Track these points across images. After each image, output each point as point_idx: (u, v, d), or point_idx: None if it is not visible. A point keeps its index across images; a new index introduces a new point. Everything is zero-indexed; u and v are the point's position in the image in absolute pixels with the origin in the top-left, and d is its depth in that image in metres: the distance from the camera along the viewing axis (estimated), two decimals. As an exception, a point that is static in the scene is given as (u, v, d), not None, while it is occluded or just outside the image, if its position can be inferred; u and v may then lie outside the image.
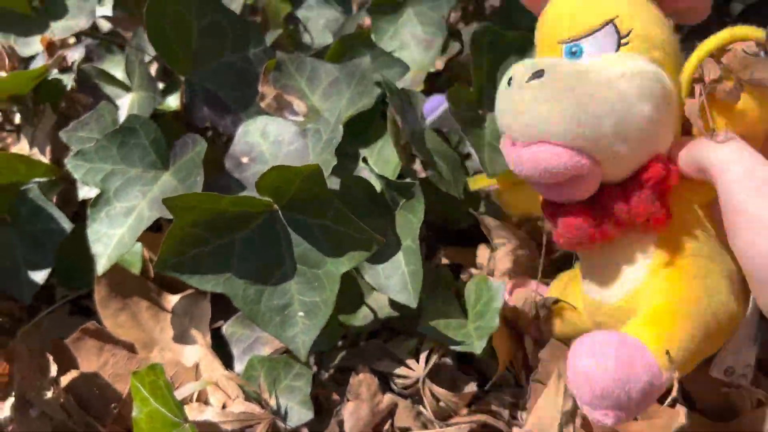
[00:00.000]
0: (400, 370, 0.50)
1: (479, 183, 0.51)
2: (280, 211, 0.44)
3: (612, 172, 0.37)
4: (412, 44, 0.63)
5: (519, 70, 0.38)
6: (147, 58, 0.56)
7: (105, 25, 0.71)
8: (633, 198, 0.37)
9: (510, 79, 0.38)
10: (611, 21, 0.38)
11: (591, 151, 0.36)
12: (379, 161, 0.55)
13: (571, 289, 0.47)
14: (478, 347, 0.45)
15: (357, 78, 0.56)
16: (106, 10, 0.69)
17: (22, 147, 0.60)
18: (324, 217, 0.43)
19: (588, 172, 0.36)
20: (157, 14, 0.52)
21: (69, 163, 0.49)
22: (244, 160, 0.51)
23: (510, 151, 0.38)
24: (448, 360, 0.51)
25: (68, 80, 0.59)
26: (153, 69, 0.62)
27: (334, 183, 0.50)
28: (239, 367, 0.50)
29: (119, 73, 0.59)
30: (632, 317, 0.37)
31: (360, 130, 0.56)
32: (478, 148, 0.48)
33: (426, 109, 0.53)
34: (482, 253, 0.53)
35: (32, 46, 0.61)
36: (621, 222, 0.37)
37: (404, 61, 0.59)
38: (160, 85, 0.64)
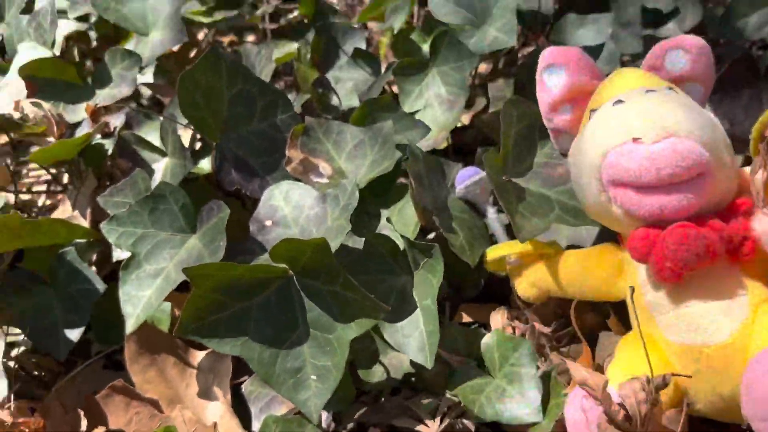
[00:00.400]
0: (420, 427, 0.50)
1: (499, 251, 0.52)
2: (294, 277, 0.46)
3: (717, 189, 0.40)
4: (436, 104, 0.65)
5: (626, 92, 0.44)
6: (180, 127, 0.60)
7: (146, 92, 0.76)
8: (731, 220, 0.40)
9: (617, 101, 0.43)
10: (671, 88, 0.44)
11: (711, 152, 0.40)
12: (400, 221, 0.56)
13: (638, 353, 0.42)
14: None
15: (380, 141, 0.58)
16: (147, 77, 0.73)
17: (65, 209, 0.64)
18: (334, 284, 0.45)
19: (710, 173, 0.39)
20: (189, 84, 0.55)
21: (104, 227, 0.52)
22: (267, 223, 0.53)
23: (633, 151, 0.40)
24: (467, 422, 0.51)
25: (110, 145, 0.63)
26: (188, 134, 0.66)
27: (357, 242, 0.52)
28: (257, 425, 0.51)
29: (156, 139, 0.62)
30: (743, 354, 0.38)
31: (382, 190, 0.58)
32: (510, 212, 0.49)
33: (458, 179, 0.56)
34: (495, 319, 0.53)
35: (78, 113, 0.65)
36: (725, 240, 0.39)
37: (425, 123, 0.61)
38: (196, 146, 0.67)
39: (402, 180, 0.58)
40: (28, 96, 0.63)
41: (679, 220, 0.40)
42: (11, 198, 0.73)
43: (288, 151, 0.57)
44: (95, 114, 0.63)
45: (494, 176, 0.50)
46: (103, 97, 0.65)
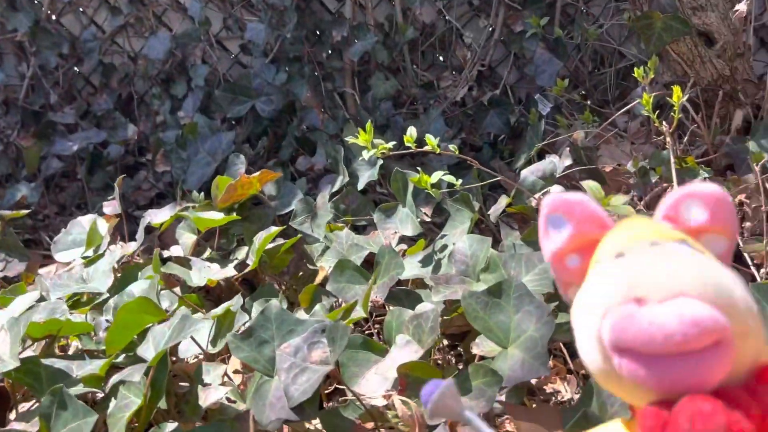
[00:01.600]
0: None
1: None
2: None
3: (739, 359, 0.34)
4: None
5: (630, 244, 0.39)
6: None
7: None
8: (757, 392, 0.34)
9: (619, 254, 0.38)
10: (684, 240, 0.39)
11: (729, 316, 0.34)
12: None
13: None
14: None
15: None
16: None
17: None
18: None
19: (728, 341, 0.33)
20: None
21: None
22: None
23: (635, 313, 0.34)
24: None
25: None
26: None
27: None
28: None
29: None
30: None
31: None
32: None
33: (423, 399, 0.44)
34: None
35: (435, 415, 0.70)
36: (753, 417, 0.32)
37: None
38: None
39: None
40: (399, 392, 0.70)
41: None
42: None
43: None
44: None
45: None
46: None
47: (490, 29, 1.80)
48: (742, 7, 1.26)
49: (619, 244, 0.40)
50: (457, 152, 1.04)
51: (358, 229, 1.28)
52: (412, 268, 0.99)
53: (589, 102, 1.50)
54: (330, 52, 1.85)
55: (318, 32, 1.84)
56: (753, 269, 1.00)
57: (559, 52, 1.61)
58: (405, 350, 0.75)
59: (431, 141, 1.03)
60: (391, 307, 0.88)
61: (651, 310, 0.34)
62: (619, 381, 0.36)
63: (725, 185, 1.09)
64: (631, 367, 0.34)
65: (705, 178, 1.07)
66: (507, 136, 1.71)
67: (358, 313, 0.87)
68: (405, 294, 0.93)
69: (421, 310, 0.78)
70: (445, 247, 0.98)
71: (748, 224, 1.11)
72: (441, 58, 1.94)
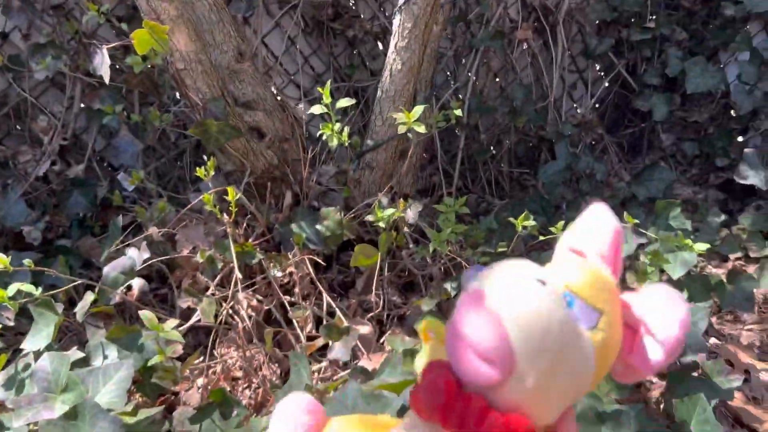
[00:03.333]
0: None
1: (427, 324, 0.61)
2: None
3: None
4: None
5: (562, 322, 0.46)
6: None
7: None
8: None
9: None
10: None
11: None
12: None
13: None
14: None
15: None
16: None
17: None
18: None
19: None
20: None
21: None
22: None
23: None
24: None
25: None
26: None
27: None
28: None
29: None
30: None
31: None
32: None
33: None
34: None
35: None
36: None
37: None
38: None
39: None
40: None
41: None
42: None
43: None
44: None
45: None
46: None
47: (70, 102, 1.82)
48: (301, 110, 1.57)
49: None
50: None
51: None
52: (-7, 390, 1.01)
53: (165, 191, 1.65)
54: None
55: None
56: (299, 331, 1.29)
57: (140, 134, 1.72)
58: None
59: (4, 260, 1.06)
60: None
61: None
62: None
63: (275, 261, 1.36)
64: None
65: (260, 260, 1.32)
66: (97, 211, 1.76)
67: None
68: (-15, 422, 0.95)
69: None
70: (28, 366, 1.03)
71: (296, 290, 1.40)
72: (18, 128, 1.88)
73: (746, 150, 1.92)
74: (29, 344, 1.11)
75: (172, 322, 0.97)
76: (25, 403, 0.94)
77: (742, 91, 2.04)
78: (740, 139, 2.12)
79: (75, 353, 1.06)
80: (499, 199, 2.15)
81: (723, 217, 1.84)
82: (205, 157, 1.94)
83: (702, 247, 1.31)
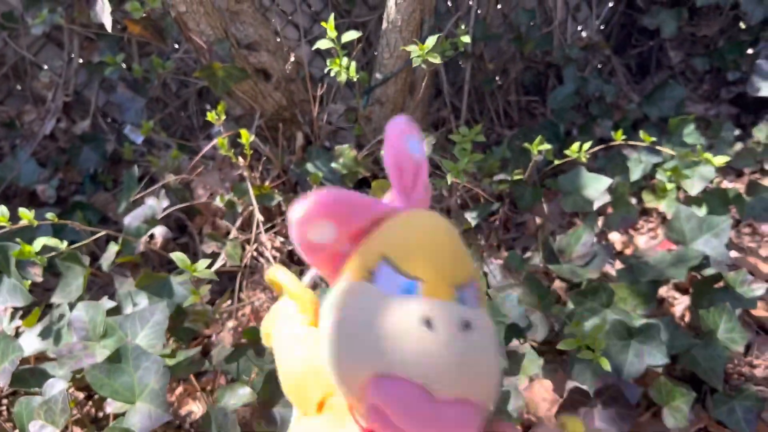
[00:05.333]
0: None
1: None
2: None
3: None
4: None
5: (438, 314, 0.36)
6: None
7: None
8: None
9: (427, 320, 0.36)
10: (475, 281, 0.41)
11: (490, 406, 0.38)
12: None
13: None
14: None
15: None
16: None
17: None
18: None
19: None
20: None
21: None
22: None
23: (422, 405, 0.35)
24: None
25: None
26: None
27: None
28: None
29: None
30: None
31: None
32: None
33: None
34: None
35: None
36: None
37: None
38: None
39: None
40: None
41: None
42: None
43: None
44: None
45: None
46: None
47: (69, 58, 1.79)
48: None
49: (419, 304, 0.38)
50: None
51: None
52: (32, 342, 1.03)
53: (175, 139, 1.64)
54: None
55: None
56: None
57: (139, 89, 1.70)
58: (39, 436, 0.82)
59: (26, 215, 1.06)
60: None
61: (439, 409, 0.35)
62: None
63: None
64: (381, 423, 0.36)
65: (278, 201, 1.32)
66: (107, 165, 1.75)
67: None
68: (30, 373, 0.97)
69: (49, 394, 0.85)
70: (62, 316, 1.04)
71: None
72: (19, 88, 1.85)
73: (758, 61, 1.89)
74: (59, 297, 1.12)
75: (204, 262, 0.98)
76: (66, 351, 0.96)
77: (753, 0, 1.99)
78: (750, 51, 2.08)
79: (107, 302, 1.07)
80: (508, 129, 2.13)
81: (737, 131, 1.82)
82: (209, 105, 1.92)
83: (721, 160, 1.30)
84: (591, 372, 1.02)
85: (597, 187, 1.42)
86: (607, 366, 0.98)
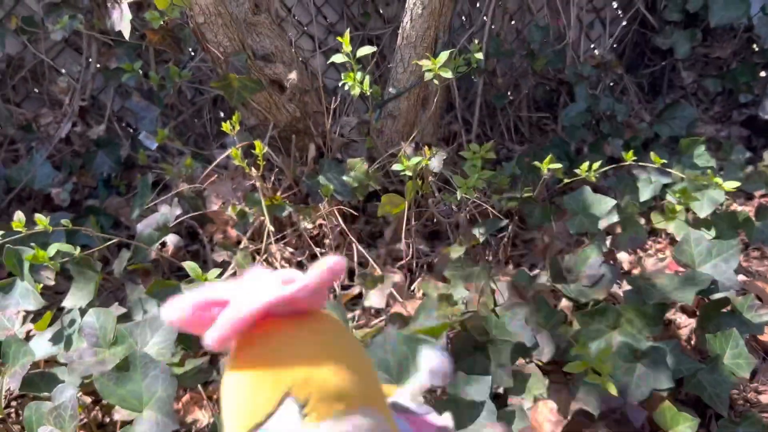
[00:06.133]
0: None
1: None
2: None
3: None
4: None
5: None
6: None
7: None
8: None
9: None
10: (287, 395, 0.37)
11: None
12: None
13: None
14: None
15: None
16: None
17: None
18: None
19: None
20: None
21: None
22: None
23: None
24: None
25: None
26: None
27: None
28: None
29: None
30: None
31: None
32: None
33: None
34: None
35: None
36: None
37: None
38: None
39: None
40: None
41: None
42: None
43: None
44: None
45: None
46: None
47: (86, 63, 1.81)
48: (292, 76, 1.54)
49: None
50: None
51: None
52: (43, 346, 1.04)
53: (189, 147, 1.66)
54: None
55: None
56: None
57: (154, 98, 1.72)
58: (49, 442, 0.83)
59: (42, 221, 1.08)
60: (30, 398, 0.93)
61: None
62: None
63: (305, 213, 1.37)
64: None
65: (289, 212, 1.33)
66: (121, 170, 1.77)
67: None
68: (40, 377, 0.98)
69: (59, 400, 0.86)
70: (73, 321, 1.05)
71: (327, 241, 1.42)
72: (37, 91, 1.88)
73: (771, 85, 1.90)
74: (70, 302, 1.13)
75: (215, 272, 0.99)
76: (77, 357, 0.97)
77: (766, 23, 1.99)
78: (763, 74, 2.08)
79: (117, 309, 1.09)
80: (519, 145, 2.14)
81: (747, 154, 1.82)
82: (222, 114, 1.94)
83: (731, 185, 1.30)
84: (596, 395, 1.02)
85: (602, 208, 1.42)
86: (614, 391, 0.99)
